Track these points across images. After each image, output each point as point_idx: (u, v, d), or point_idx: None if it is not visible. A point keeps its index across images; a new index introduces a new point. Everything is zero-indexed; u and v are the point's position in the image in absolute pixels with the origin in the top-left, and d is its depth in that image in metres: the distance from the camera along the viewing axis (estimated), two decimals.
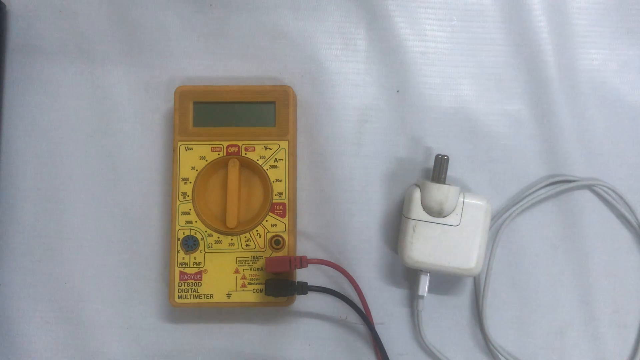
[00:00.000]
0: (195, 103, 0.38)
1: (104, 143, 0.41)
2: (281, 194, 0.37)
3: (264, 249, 0.37)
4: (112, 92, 0.41)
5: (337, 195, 0.40)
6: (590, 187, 0.40)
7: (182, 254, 0.37)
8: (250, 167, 0.38)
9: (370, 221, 0.40)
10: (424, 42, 0.41)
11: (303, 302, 0.39)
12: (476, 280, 0.39)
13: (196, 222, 0.37)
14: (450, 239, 0.35)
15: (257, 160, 0.37)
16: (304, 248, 0.39)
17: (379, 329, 0.37)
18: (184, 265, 0.37)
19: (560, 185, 0.39)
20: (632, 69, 0.41)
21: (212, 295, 0.37)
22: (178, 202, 0.37)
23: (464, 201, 0.35)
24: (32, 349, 0.39)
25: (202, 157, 0.38)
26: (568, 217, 0.40)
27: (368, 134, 0.40)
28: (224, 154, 0.38)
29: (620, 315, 0.39)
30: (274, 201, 0.37)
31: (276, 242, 0.37)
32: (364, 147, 0.40)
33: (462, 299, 0.39)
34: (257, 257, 0.37)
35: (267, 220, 0.37)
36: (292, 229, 0.37)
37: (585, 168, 0.40)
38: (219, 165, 0.38)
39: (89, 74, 0.41)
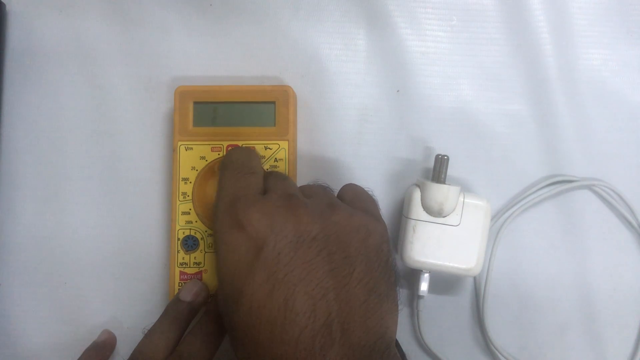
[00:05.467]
0: (195, 103, 0.38)
1: (104, 143, 0.41)
2: None
3: None
4: (112, 92, 0.41)
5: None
6: (590, 187, 0.40)
7: (182, 254, 0.37)
8: None
9: None
10: (424, 42, 0.41)
11: None
12: (476, 280, 0.39)
13: (196, 222, 0.37)
14: (450, 239, 0.35)
15: None
16: None
17: None
18: (184, 265, 0.37)
19: (560, 185, 0.39)
20: (632, 69, 0.41)
21: (212, 296, 0.37)
22: (178, 202, 0.37)
23: (464, 201, 0.35)
24: (32, 349, 0.39)
25: (202, 157, 0.38)
26: (568, 217, 0.40)
27: (368, 134, 0.40)
28: (224, 154, 0.38)
29: (620, 315, 0.39)
30: None
31: None
32: (364, 147, 0.40)
33: (462, 299, 0.39)
34: None
35: None
36: None
37: (585, 168, 0.40)
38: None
39: (89, 74, 0.41)
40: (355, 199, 0.32)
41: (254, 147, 0.37)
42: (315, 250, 0.27)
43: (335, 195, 0.33)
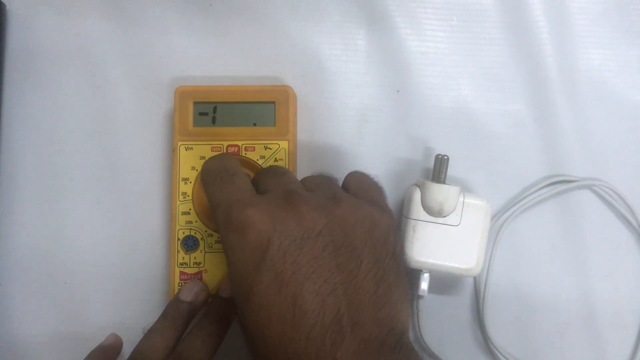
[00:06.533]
0: (195, 103, 0.38)
1: (104, 143, 0.41)
2: None
3: None
4: (112, 92, 0.41)
5: None
6: (590, 187, 0.40)
7: (182, 254, 0.37)
8: (250, 167, 0.38)
9: None
10: (424, 42, 0.41)
11: None
12: (476, 280, 0.39)
13: (196, 222, 0.37)
14: (450, 239, 0.35)
15: (257, 160, 0.37)
16: None
17: None
18: (184, 265, 0.37)
19: (560, 185, 0.39)
20: (632, 69, 0.41)
21: (212, 296, 0.37)
22: (178, 202, 0.37)
23: (464, 201, 0.35)
24: (33, 348, 0.39)
25: (202, 157, 0.38)
26: (568, 217, 0.40)
27: (368, 134, 0.40)
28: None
29: (620, 315, 0.39)
30: None
31: None
32: (364, 147, 0.40)
33: (462, 299, 0.39)
34: None
35: None
36: None
37: (585, 168, 0.40)
38: None
39: (89, 74, 0.41)
40: (360, 189, 0.31)
41: (230, 152, 0.37)
42: (321, 245, 0.27)
43: (340, 184, 0.33)
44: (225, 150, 0.38)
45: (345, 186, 0.32)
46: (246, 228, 0.27)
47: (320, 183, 0.31)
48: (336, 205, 0.28)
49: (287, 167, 0.37)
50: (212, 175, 0.31)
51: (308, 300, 0.25)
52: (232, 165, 0.32)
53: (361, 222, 0.28)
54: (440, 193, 0.35)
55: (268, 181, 0.31)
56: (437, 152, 0.37)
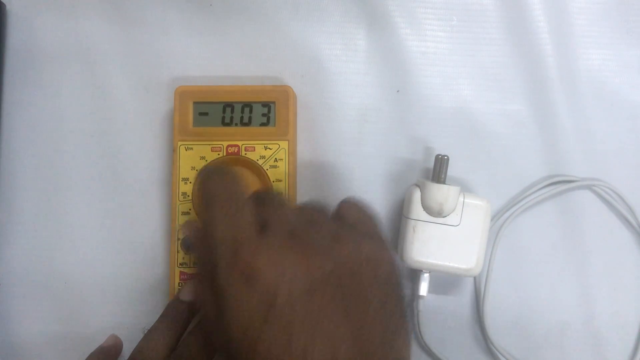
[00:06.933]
0: (195, 103, 0.38)
1: (104, 143, 0.41)
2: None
3: None
4: (112, 92, 0.41)
5: (337, 196, 0.40)
6: (590, 187, 0.40)
7: (182, 254, 0.37)
8: (250, 168, 0.38)
9: None
10: (424, 42, 0.41)
11: None
12: (476, 280, 0.39)
13: (196, 222, 0.37)
14: (450, 239, 0.35)
15: (257, 160, 0.37)
16: None
17: None
18: (184, 265, 0.37)
19: (560, 185, 0.39)
20: (632, 69, 0.41)
21: None
22: (178, 202, 0.37)
23: (464, 201, 0.35)
24: (32, 349, 0.39)
25: (202, 157, 0.38)
26: (568, 217, 0.40)
27: (368, 134, 0.40)
28: (224, 154, 0.38)
29: (620, 315, 0.39)
30: None
31: None
32: (364, 147, 0.40)
33: (462, 299, 0.39)
34: None
35: None
36: None
37: (585, 168, 0.40)
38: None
39: (89, 74, 0.41)
40: (358, 222, 0.30)
41: (228, 168, 0.32)
42: (330, 293, 0.25)
43: (332, 207, 0.31)
44: (225, 151, 0.38)
45: (340, 214, 0.31)
46: (255, 277, 0.25)
47: (317, 219, 0.29)
48: (340, 245, 0.27)
49: (286, 167, 0.37)
50: (218, 200, 0.28)
51: (319, 350, 0.24)
52: (241, 193, 0.29)
53: (366, 263, 0.27)
54: (440, 193, 0.35)
55: (267, 212, 0.29)
56: (437, 152, 0.37)
